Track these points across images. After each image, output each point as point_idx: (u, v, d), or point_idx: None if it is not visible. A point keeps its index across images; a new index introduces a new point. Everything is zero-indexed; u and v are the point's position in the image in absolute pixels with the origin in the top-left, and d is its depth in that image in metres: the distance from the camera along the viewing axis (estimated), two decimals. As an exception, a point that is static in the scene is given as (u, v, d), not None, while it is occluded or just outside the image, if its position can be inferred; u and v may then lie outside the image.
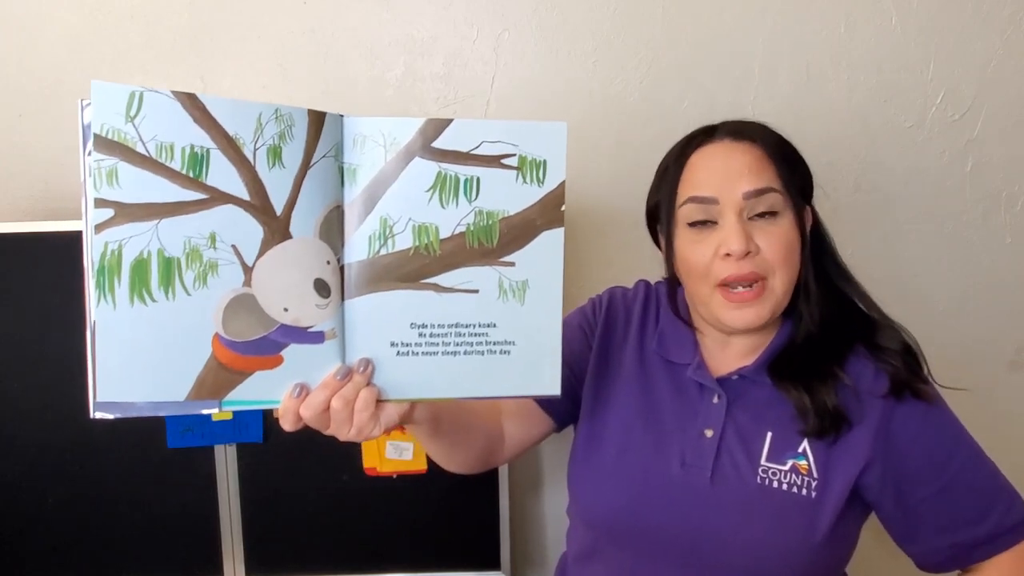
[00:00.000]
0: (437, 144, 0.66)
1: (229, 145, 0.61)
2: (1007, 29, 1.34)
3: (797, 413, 0.82)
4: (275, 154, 0.62)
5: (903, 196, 1.40)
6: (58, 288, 1.28)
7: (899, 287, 1.41)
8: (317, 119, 0.64)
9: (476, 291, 0.68)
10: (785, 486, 0.81)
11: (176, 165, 0.60)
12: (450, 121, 0.66)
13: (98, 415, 0.60)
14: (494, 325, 0.69)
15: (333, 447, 1.33)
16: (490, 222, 0.67)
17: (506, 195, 0.67)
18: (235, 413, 1.30)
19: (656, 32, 1.33)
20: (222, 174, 0.61)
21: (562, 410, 0.95)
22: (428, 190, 0.66)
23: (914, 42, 1.34)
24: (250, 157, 0.62)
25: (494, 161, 0.67)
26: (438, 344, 0.68)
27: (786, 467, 0.81)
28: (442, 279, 0.68)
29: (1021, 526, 0.82)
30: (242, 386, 0.64)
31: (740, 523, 0.80)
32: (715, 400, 0.86)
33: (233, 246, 0.62)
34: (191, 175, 0.60)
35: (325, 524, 1.34)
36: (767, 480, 0.81)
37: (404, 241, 0.67)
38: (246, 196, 0.62)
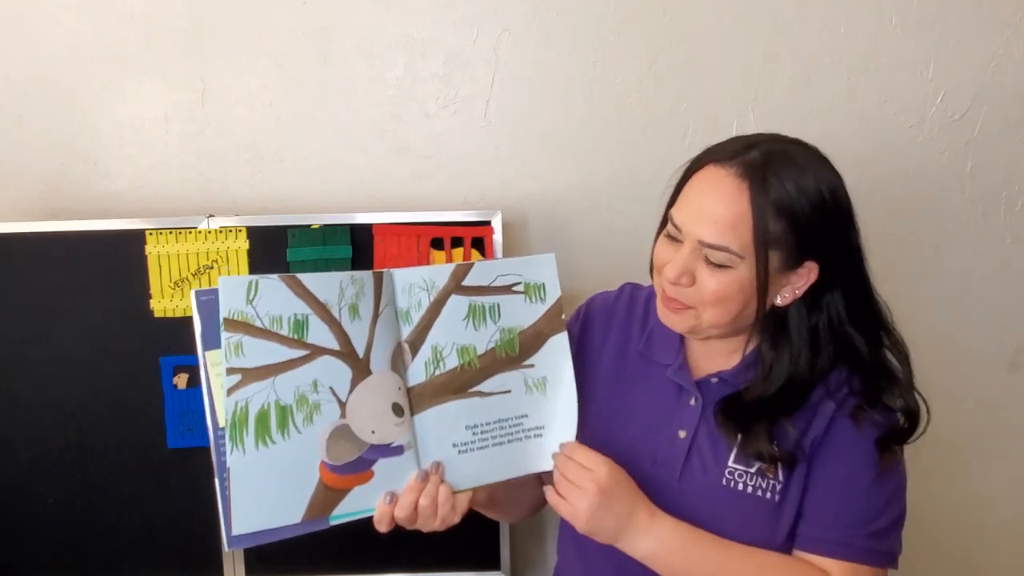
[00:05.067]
0: (466, 283, 0.84)
1: (322, 310, 0.77)
2: (1007, 29, 1.34)
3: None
4: (354, 310, 0.78)
5: (903, 196, 1.40)
6: (58, 288, 1.27)
7: (899, 287, 1.41)
8: (378, 277, 0.80)
9: (509, 391, 0.84)
10: (750, 489, 0.83)
11: (285, 332, 0.75)
12: (472, 264, 0.84)
13: (232, 548, 0.74)
14: (527, 416, 0.85)
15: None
16: (511, 336, 0.85)
17: (520, 313, 0.85)
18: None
19: (656, 32, 1.33)
20: (319, 333, 0.76)
21: None
22: (464, 319, 0.83)
23: (914, 42, 1.34)
24: (337, 316, 0.77)
25: (507, 290, 0.85)
26: (488, 439, 0.83)
27: (752, 469, 0.83)
28: (483, 386, 0.83)
29: (869, 552, 0.81)
30: (343, 502, 0.77)
31: (706, 523, 0.82)
32: (691, 403, 0.87)
33: (331, 388, 0.76)
34: (296, 337, 0.75)
35: (325, 524, 1.34)
36: (732, 482, 0.83)
37: (452, 361, 0.82)
38: (337, 347, 0.77)
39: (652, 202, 1.31)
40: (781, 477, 0.82)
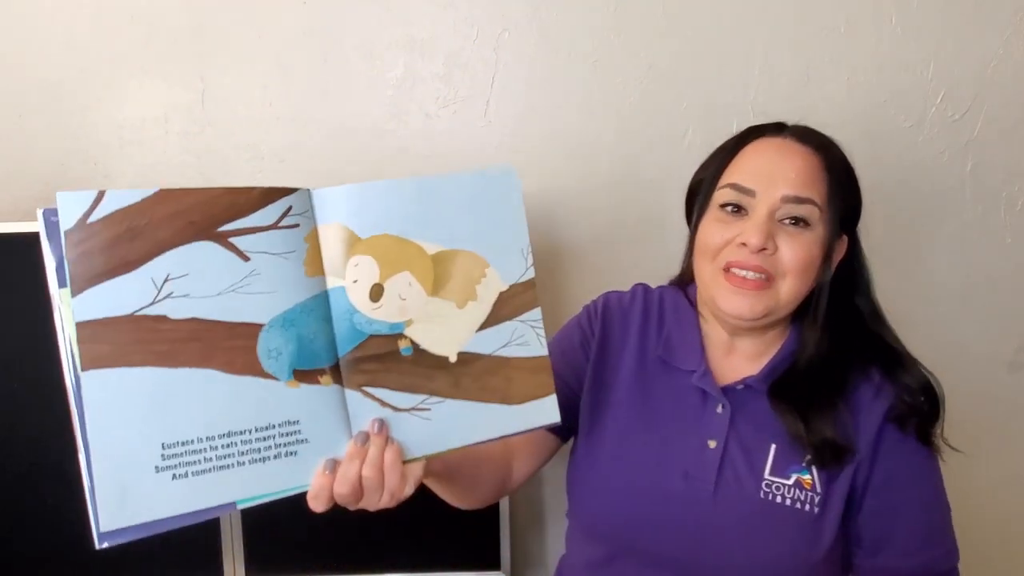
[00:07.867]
0: None
1: None
2: (1007, 29, 1.34)
3: (792, 441, 0.80)
4: None
5: (903, 196, 1.40)
6: (58, 288, 1.27)
7: (899, 287, 1.41)
8: None
9: None
10: (789, 501, 0.79)
11: None
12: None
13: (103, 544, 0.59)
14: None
15: (333, 447, 1.33)
16: None
17: None
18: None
19: (656, 32, 1.33)
20: None
21: (566, 426, 0.92)
22: None
23: (914, 42, 1.34)
24: None
25: None
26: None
27: (790, 481, 0.79)
28: None
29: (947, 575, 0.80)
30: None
31: (742, 538, 0.79)
32: (719, 410, 0.84)
33: None
34: None
35: (325, 524, 1.33)
36: (770, 495, 0.79)
37: None
38: None
39: (652, 202, 1.31)
40: (819, 488, 0.79)
